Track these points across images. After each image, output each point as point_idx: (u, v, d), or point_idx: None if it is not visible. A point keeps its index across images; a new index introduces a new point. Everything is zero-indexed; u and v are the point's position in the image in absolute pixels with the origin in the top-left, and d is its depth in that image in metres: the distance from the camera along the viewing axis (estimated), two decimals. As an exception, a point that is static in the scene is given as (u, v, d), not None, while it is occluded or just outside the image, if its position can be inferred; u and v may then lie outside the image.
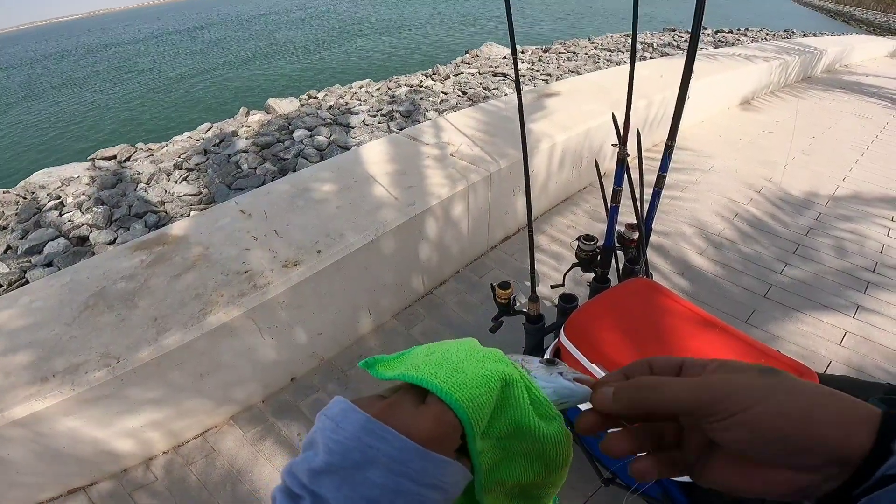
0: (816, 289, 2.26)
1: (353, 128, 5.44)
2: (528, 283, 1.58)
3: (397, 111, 5.89)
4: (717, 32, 13.53)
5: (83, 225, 3.77)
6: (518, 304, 1.60)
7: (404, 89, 7.26)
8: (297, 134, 5.11)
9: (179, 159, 4.98)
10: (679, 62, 4.31)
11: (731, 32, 13.60)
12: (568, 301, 1.56)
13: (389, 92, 7.33)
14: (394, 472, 0.27)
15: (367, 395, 0.32)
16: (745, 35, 13.02)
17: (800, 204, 2.95)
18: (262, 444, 1.62)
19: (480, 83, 7.40)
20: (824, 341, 1.98)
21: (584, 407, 0.35)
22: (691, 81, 1.32)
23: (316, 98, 7.92)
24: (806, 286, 2.28)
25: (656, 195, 1.54)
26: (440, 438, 0.29)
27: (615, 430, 0.33)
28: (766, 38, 12.12)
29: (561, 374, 0.36)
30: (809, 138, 3.93)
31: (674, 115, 1.38)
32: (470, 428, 0.30)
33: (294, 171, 4.25)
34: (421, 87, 7.46)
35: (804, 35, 12.99)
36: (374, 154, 2.36)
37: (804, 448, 0.25)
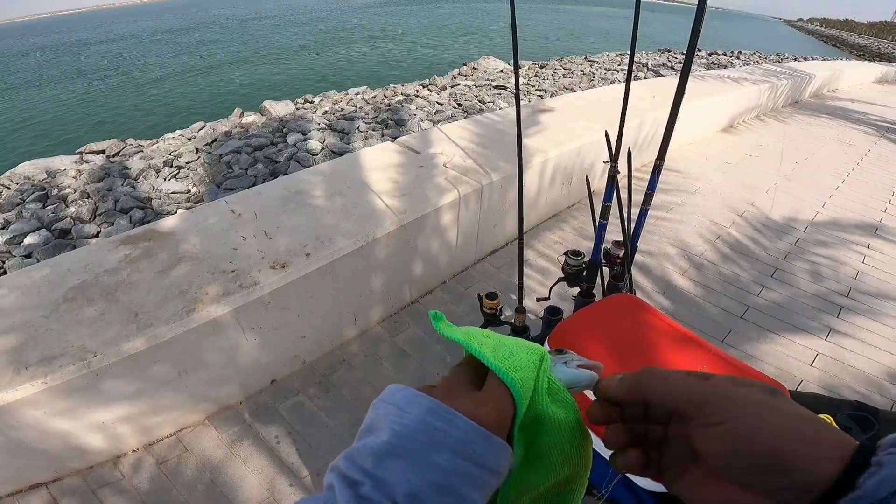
0: (791, 311, 2.31)
1: (347, 134, 5.45)
2: (514, 297, 1.59)
3: (392, 119, 5.92)
4: (710, 55, 13.85)
5: (66, 217, 3.71)
6: (504, 315, 1.61)
7: (400, 98, 7.31)
8: (291, 137, 5.11)
9: (170, 157, 4.94)
10: (672, 82, 4.40)
11: (724, 55, 13.93)
12: (553, 314, 1.58)
13: (385, 100, 7.37)
14: (459, 455, 0.28)
15: (422, 385, 0.33)
16: (738, 58, 13.35)
17: (779, 228, 3.02)
18: (238, 446, 1.60)
19: (476, 96, 7.47)
20: (797, 362, 2.03)
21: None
22: (683, 103, 1.36)
23: (311, 102, 7.94)
24: (781, 309, 2.33)
25: (643, 213, 1.57)
26: (499, 424, 0.30)
27: (614, 424, 0.35)
28: (758, 62, 12.44)
29: (566, 362, 0.37)
30: (793, 163, 4.04)
31: (664, 134, 1.41)
32: (520, 409, 0.31)
33: (286, 174, 4.24)
34: (417, 96, 7.51)
35: (795, 59, 13.35)
36: (368, 161, 2.37)
37: (772, 468, 0.25)
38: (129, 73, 18.22)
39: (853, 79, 7.51)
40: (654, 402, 0.31)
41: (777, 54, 15.30)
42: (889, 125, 5.45)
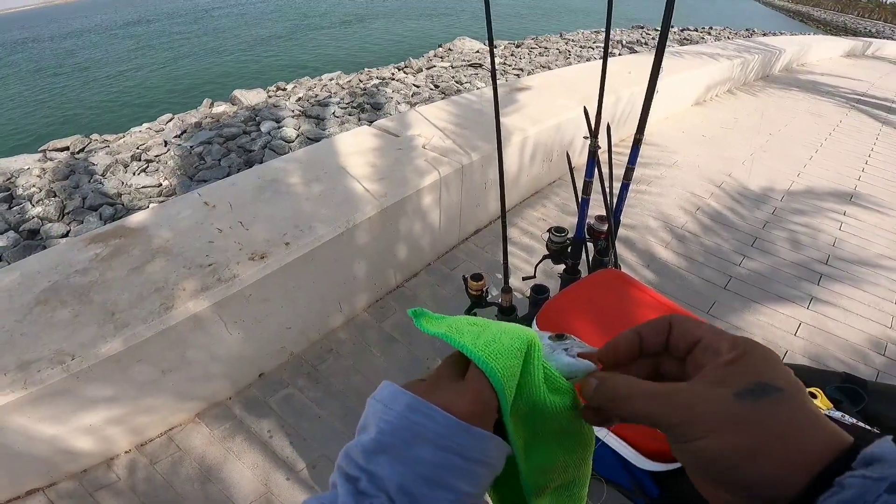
0: (773, 280, 2.36)
1: (323, 120, 5.34)
2: (499, 276, 1.59)
3: (368, 103, 5.81)
4: (682, 30, 13.93)
5: (34, 218, 3.58)
6: (490, 295, 1.60)
7: (376, 81, 7.17)
8: (265, 125, 4.98)
9: (138, 150, 4.78)
10: (646, 58, 4.41)
11: (696, 31, 14.02)
12: (539, 292, 1.58)
13: (360, 84, 7.23)
14: (441, 448, 0.28)
15: (412, 380, 0.34)
16: (709, 33, 13.45)
17: (757, 198, 3.07)
18: (230, 442, 1.58)
19: (453, 77, 7.38)
20: (781, 332, 2.07)
21: None
22: (659, 77, 1.35)
23: (284, 89, 7.74)
24: (763, 278, 2.37)
25: (625, 188, 1.57)
26: (480, 414, 0.30)
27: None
28: (728, 37, 12.55)
29: (566, 349, 0.36)
30: (767, 135, 4.10)
31: (642, 109, 1.40)
32: (503, 397, 0.31)
33: (261, 162, 4.14)
34: (393, 79, 7.38)
35: (764, 34, 13.49)
36: (345, 146, 2.32)
37: (733, 484, 0.26)
38: (88, 68, 17.49)
39: (821, 53, 7.60)
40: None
41: (747, 29, 15.43)
42: (859, 97, 5.55)
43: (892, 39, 14.40)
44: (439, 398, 0.30)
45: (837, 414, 0.97)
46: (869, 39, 9.69)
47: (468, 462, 0.29)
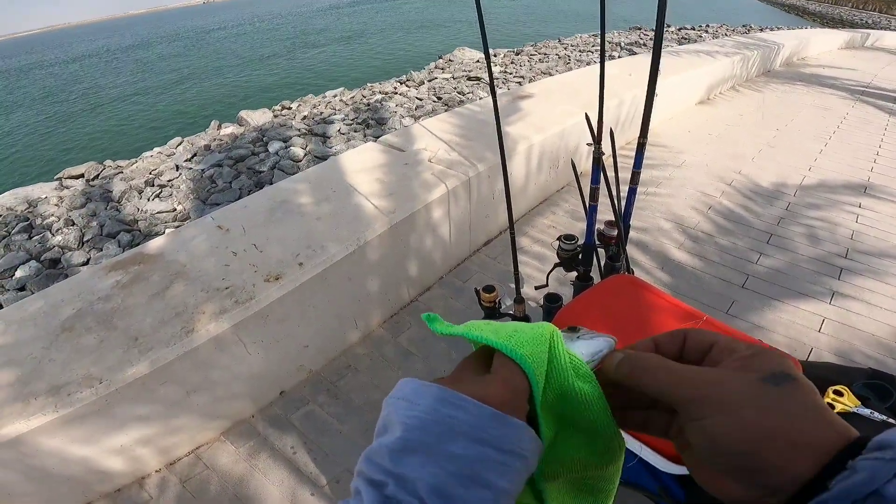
0: (792, 277, 2.33)
1: (329, 137, 5.41)
2: (513, 286, 1.60)
3: (373, 119, 5.88)
4: (680, 30, 13.92)
5: (54, 247, 3.66)
6: (503, 306, 1.61)
7: (379, 96, 7.26)
8: (273, 146, 5.06)
9: (151, 176, 4.88)
10: (646, 60, 4.41)
11: (694, 29, 14.01)
12: (552, 301, 1.59)
13: (364, 100, 7.32)
14: (474, 441, 0.27)
15: (432, 380, 0.32)
16: (707, 31, 13.44)
17: (770, 195, 3.05)
18: (256, 459, 1.60)
19: (455, 87, 7.44)
20: (805, 329, 2.03)
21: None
22: (659, 79, 1.36)
23: (289, 108, 7.86)
24: (782, 275, 2.34)
25: (632, 192, 1.58)
26: (511, 402, 0.29)
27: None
28: (726, 34, 12.53)
29: (580, 337, 0.36)
30: (774, 131, 4.07)
31: (644, 112, 1.42)
32: (535, 383, 0.30)
33: (271, 183, 4.20)
34: (395, 93, 7.46)
35: (761, 30, 13.44)
36: (352, 163, 2.35)
37: (746, 467, 0.26)
38: (95, 93, 17.89)
39: (820, 46, 7.55)
40: (648, 392, 0.31)
41: (744, 26, 15.36)
42: (864, 88, 5.50)
43: (889, 29, 14.29)
44: (468, 389, 0.29)
45: (866, 411, 0.95)
46: (867, 31, 9.61)
47: (503, 454, 0.27)
